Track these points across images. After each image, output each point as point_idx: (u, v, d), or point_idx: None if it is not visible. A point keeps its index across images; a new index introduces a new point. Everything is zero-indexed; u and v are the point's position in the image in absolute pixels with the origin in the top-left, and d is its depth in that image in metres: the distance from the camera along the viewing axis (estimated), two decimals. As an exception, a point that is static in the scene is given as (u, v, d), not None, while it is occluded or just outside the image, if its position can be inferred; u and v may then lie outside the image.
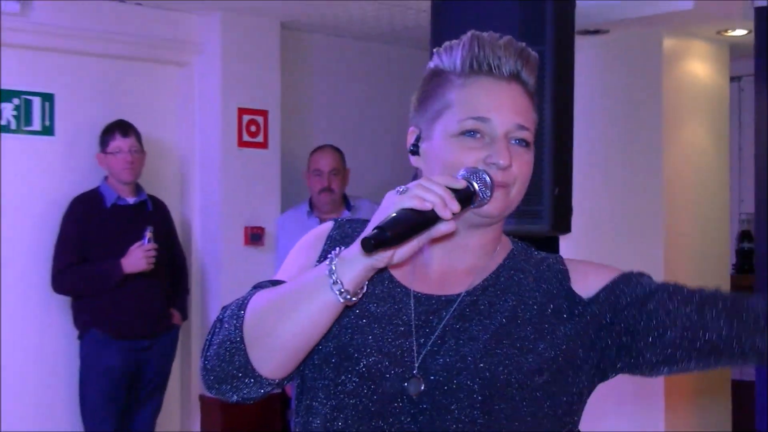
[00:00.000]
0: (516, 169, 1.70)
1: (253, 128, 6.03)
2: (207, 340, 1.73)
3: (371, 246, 1.50)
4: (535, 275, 1.77)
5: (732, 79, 4.63)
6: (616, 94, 4.20)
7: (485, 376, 1.65)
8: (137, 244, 5.11)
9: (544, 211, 3.49)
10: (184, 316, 5.58)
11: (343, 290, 1.58)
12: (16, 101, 5.49)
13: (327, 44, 6.56)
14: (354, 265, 1.58)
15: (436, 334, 1.70)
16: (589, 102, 4.02)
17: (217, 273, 5.72)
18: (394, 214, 1.53)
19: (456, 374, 1.65)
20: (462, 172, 1.65)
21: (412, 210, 1.54)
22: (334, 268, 1.58)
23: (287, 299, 1.65)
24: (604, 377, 1.78)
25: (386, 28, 6.26)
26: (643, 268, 4.24)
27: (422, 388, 1.66)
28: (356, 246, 1.56)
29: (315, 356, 1.73)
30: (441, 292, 1.74)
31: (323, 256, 1.78)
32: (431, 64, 1.82)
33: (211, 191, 5.85)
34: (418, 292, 1.74)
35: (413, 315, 1.72)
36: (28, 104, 5.53)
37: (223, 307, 1.75)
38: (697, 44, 4.26)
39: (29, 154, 5.53)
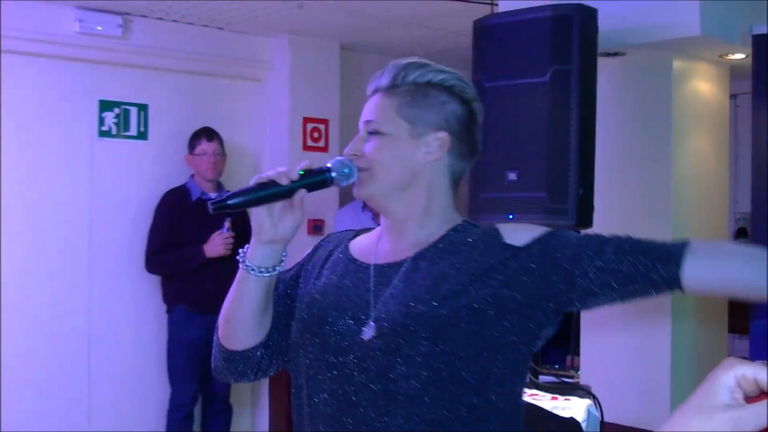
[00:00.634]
0: (369, 155, 1.78)
1: (315, 134, 6.07)
2: None
3: (212, 207, 1.69)
4: (473, 241, 1.78)
5: (731, 96, 4.61)
6: (632, 108, 4.20)
7: (426, 318, 1.67)
8: (217, 232, 5.17)
9: (570, 209, 3.50)
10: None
11: (247, 264, 1.75)
12: (116, 111, 5.54)
13: (379, 63, 6.49)
14: (253, 246, 1.75)
15: (388, 291, 1.74)
16: (609, 115, 4.01)
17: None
18: (246, 188, 1.71)
19: (401, 319, 1.68)
20: (332, 160, 1.78)
21: (258, 184, 1.71)
22: (243, 252, 1.77)
23: (231, 291, 1.82)
24: (543, 319, 1.74)
25: (430, 49, 6.27)
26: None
27: (374, 333, 1.70)
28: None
29: (294, 326, 1.84)
30: (392, 260, 1.79)
31: (306, 260, 1.96)
32: None
33: (279, 188, 5.87)
34: (376, 264, 1.81)
35: (371, 281, 1.78)
36: (127, 113, 5.58)
37: None
38: (702, 66, 4.24)
39: (127, 155, 5.59)
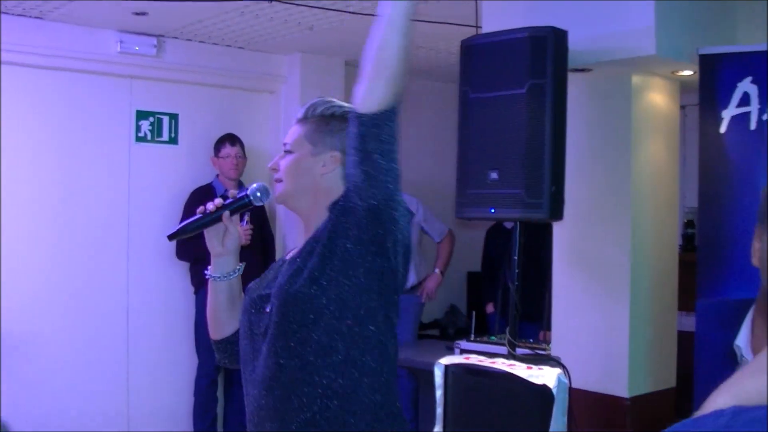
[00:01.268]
0: (282, 168, 1.99)
1: (323, 140, 6.06)
2: None
3: (169, 237, 2.03)
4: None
5: (681, 107, 4.61)
6: (597, 117, 4.20)
7: (298, 293, 1.83)
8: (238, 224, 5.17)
9: (544, 204, 3.50)
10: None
11: (209, 275, 2.06)
12: (150, 119, 5.55)
13: (378, 78, 6.56)
14: (212, 261, 2.06)
15: (287, 275, 1.90)
16: (577, 123, 4.02)
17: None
18: (189, 221, 2.00)
19: (284, 292, 1.85)
20: (250, 188, 2.05)
21: (197, 216, 2.00)
22: (208, 268, 2.07)
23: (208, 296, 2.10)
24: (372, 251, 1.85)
25: (424, 65, 6.28)
26: (614, 247, 4.27)
27: (270, 306, 1.88)
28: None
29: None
30: (295, 253, 1.97)
31: None
32: None
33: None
34: (287, 258, 2.01)
35: (281, 273, 1.94)
36: (160, 121, 5.59)
37: None
38: (656, 81, 4.25)
39: (160, 157, 5.60)
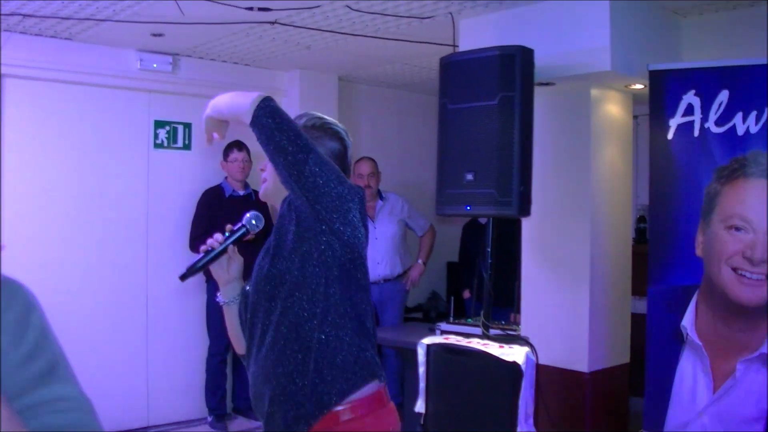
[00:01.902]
0: (266, 171, 2.01)
1: (319, 147, 6.04)
2: None
3: (181, 277, 2.00)
4: None
5: (633, 117, 4.61)
6: (560, 125, 4.19)
7: (269, 274, 1.88)
8: (244, 221, 5.15)
9: (513, 202, 3.49)
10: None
11: (221, 300, 2.07)
12: (167, 128, 5.51)
13: (369, 91, 6.55)
14: (221, 289, 2.07)
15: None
16: (543, 130, 4.02)
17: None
18: (197, 260, 2.00)
19: (257, 276, 1.93)
20: (245, 218, 2.05)
21: (205, 252, 2.01)
22: (219, 294, 2.08)
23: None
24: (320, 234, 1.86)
25: (408, 80, 6.27)
26: (575, 240, 4.25)
27: (250, 287, 1.96)
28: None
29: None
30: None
31: None
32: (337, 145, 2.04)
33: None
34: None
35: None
36: (175, 130, 5.55)
37: None
38: (612, 94, 4.24)
39: (175, 162, 5.55)
